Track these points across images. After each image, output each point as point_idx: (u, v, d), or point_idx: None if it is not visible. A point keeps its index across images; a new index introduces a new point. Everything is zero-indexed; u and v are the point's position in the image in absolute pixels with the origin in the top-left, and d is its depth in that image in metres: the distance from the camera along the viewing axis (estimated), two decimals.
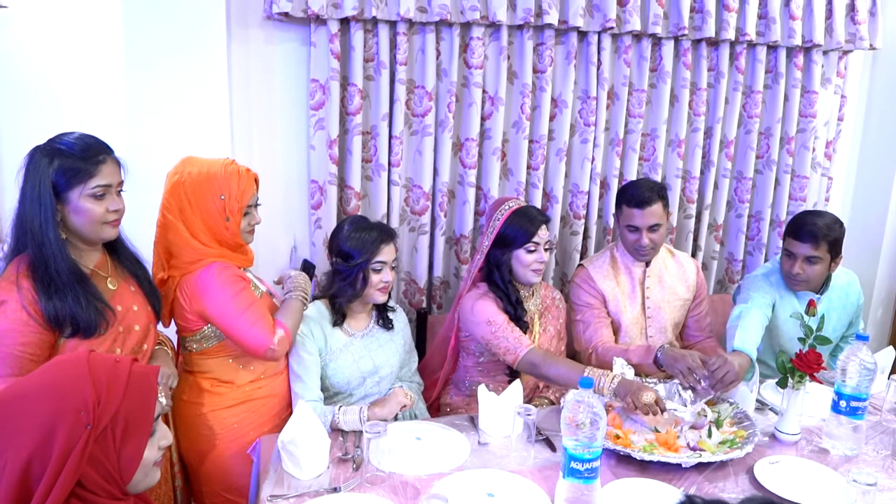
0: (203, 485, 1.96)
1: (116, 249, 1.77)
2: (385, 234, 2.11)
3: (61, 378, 1.15)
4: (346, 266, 2.07)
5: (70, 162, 1.57)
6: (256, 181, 1.92)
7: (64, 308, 1.56)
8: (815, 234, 2.27)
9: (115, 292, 1.71)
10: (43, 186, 1.55)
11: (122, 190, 1.69)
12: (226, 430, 1.92)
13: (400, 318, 2.29)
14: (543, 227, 2.25)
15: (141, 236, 2.35)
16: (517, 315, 2.24)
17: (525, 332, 2.24)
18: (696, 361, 2.04)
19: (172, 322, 1.95)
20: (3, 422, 1.10)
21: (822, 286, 2.43)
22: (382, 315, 2.22)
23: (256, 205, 1.94)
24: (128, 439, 1.16)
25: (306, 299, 2.01)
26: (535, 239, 2.22)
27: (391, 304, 2.27)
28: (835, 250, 2.32)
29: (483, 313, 2.21)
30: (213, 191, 1.84)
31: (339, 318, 2.12)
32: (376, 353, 2.14)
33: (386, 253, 2.08)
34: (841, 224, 2.35)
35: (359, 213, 2.60)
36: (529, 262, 2.23)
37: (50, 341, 1.58)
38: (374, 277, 2.07)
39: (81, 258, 1.65)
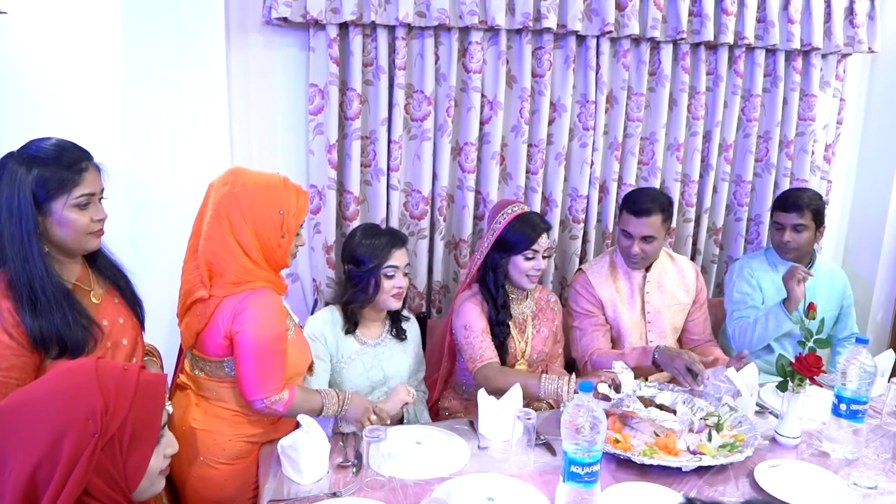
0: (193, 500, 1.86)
1: (96, 260, 1.67)
2: (396, 239, 2.11)
3: (69, 385, 1.14)
4: (358, 272, 2.06)
5: (51, 170, 1.47)
6: (308, 201, 1.80)
7: (50, 328, 1.46)
8: (800, 204, 2.55)
9: (100, 306, 1.62)
10: (22, 197, 1.44)
11: (103, 197, 1.59)
12: (244, 452, 1.83)
13: (413, 328, 2.28)
14: (544, 234, 2.25)
15: (141, 241, 2.36)
16: (499, 320, 2.26)
17: (507, 337, 2.27)
18: (692, 357, 2.12)
19: (152, 331, 1.84)
20: (10, 428, 1.10)
21: (809, 263, 2.66)
22: (396, 325, 2.21)
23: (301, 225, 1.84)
24: (134, 448, 1.16)
25: (334, 414, 1.85)
26: (535, 246, 2.22)
27: (405, 313, 2.26)
28: (818, 219, 2.58)
29: (464, 317, 2.24)
30: (272, 204, 1.72)
31: (350, 325, 2.11)
32: (388, 364, 2.14)
33: (397, 258, 2.08)
34: (821, 197, 2.66)
35: (359, 218, 2.60)
36: (527, 268, 2.24)
37: (35, 364, 1.49)
38: (387, 283, 2.06)
39: (62, 272, 1.55)
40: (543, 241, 2.25)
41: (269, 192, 1.74)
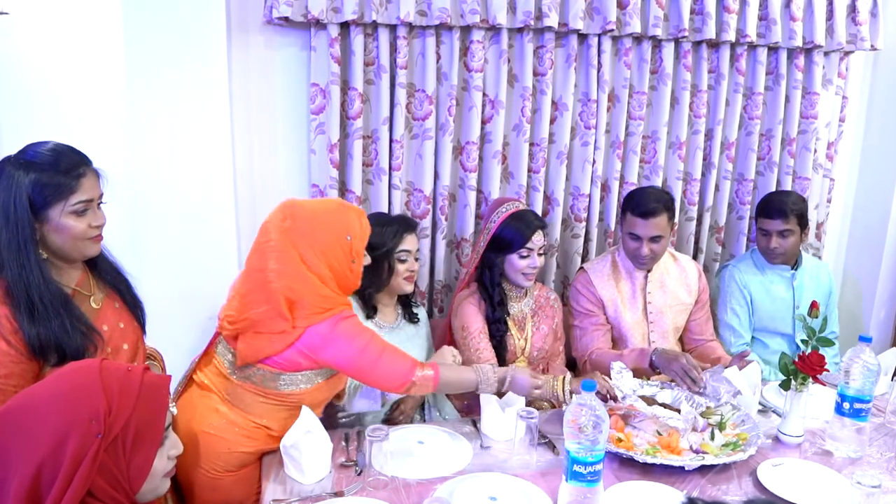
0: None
1: (96, 263, 1.65)
2: (406, 224, 2.22)
3: (73, 386, 1.14)
4: (371, 256, 2.05)
5: (48, 176, 1.45)
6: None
7: (48, 336, 1.45)
8: (784, 210, 2.57)
9: (100, 311, 1.61)
10: (19, 203, 1.43)
11: (102, 202, 1.59)
12: (249, 461, 1.80)
13: (422, 312, 2.38)
14: (539, 232, 2.26)
15: (141, 242, 2.36)
16: (496, 317, 2.28)
17: (504, 335, 2.29)
18: (690, 361, 2.11)
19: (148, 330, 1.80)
20: (15, 429, 1.10)
21: (795, 263, 2.70)
22: (407, 309, 2.30)
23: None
24: (138, 449, 1.16)
25: (480, 386, 1.82)
26: (529, 244, 2.23)
27: (414, 299, 2.36)
28: (802, 223, 2.62)
29: (461, 317, 2.27)
30: (338, 231, 1.73)
31: (370, 310, 2.18)
32: (406, 346, 2.14)
33: (409, 242, 2.18)
34: (804, 199, 2.69)
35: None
36: (522, 266, 2.25)
37: (33, 371, 1.47)
38: (400, 267, 2.16)
39: (62, 277, 1.54)
40: (538, 239, 2.25)
41: (331, 220, 1.74)
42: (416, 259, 2.22)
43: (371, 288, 2.14)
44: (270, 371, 1.73)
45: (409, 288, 2.20)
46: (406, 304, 2.32)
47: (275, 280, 1.68)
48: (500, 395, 1.91)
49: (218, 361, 1.82)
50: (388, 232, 2.14)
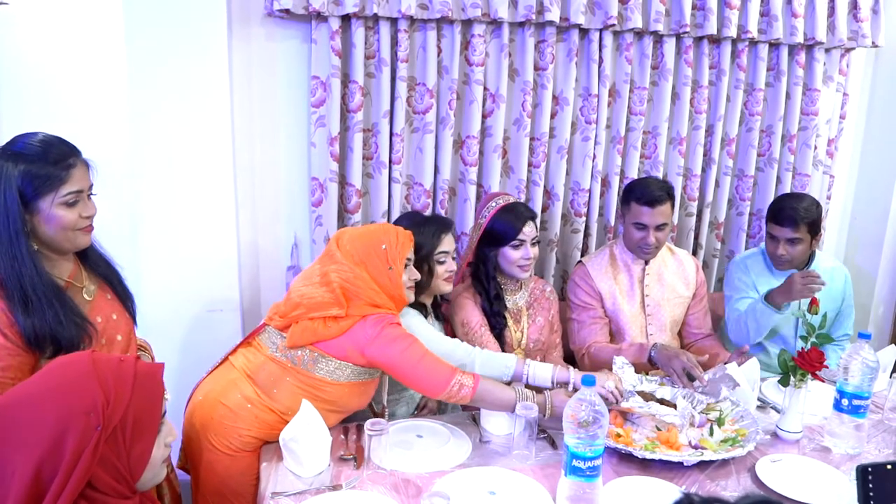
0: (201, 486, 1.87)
1: (87, 256, 1.65)
2: (443, 224, 2.17)
3: (68, 380, 1.13)
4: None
5: (38, 167, 1.45)
6: (411, 240, 1.95)
7: (43, 327, 1.45)
8: (795, 218, 2.44)
9: (93, 303, 1.61)
10: (8, 195, 1.43)
11: (92, 193, 1.58)
12: (250, 446, 1.81)
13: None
14: (529, 222, 2.26)
15: (142, 233, 2.36)
16: (494, 311, 2.28)
17: (503, 329, 2.30)
18: (690, 360, 2.11)
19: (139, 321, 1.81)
20: (11, 425, 1.09)
21: (806, 265, 2.58)
22: (437, 308, 2.30)
23: (413, 263, 1.97)
24: (137, 438, 1.16)
25: (517, 403, 1.82)
26: (521, 236, 2.24)
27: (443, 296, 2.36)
28: (814, 230, 2.48)
29: (459, 313, 2.27)
30: (374, 242, 1.87)
31: (422, 310, 2.15)
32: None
33: (446, 243, 2.14)
34: (818, 205, 2.51)
35: (360, 211, 2.60)
36: (515, 258, 2.25)
37: (30, 364, 1.47)
38: (440, 269, 2.12)
39: (54, 269, 1.54)
40: (529, 230, 2.26)
41: (370, 234, 1.89)
42: (454, 258, 2.21)
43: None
44: (319, 354, 1.79)
45: (448, 288, 2.19)
46: (435, 303, 2.31)
47: (334, 273, 1.81)
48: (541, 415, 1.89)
49: (259, 344, 1.89)
50: (426, 233, 2.09)
